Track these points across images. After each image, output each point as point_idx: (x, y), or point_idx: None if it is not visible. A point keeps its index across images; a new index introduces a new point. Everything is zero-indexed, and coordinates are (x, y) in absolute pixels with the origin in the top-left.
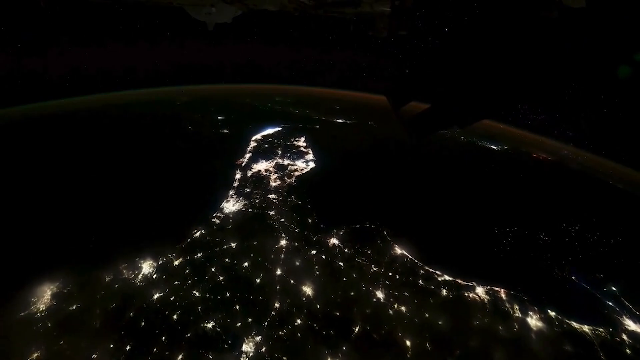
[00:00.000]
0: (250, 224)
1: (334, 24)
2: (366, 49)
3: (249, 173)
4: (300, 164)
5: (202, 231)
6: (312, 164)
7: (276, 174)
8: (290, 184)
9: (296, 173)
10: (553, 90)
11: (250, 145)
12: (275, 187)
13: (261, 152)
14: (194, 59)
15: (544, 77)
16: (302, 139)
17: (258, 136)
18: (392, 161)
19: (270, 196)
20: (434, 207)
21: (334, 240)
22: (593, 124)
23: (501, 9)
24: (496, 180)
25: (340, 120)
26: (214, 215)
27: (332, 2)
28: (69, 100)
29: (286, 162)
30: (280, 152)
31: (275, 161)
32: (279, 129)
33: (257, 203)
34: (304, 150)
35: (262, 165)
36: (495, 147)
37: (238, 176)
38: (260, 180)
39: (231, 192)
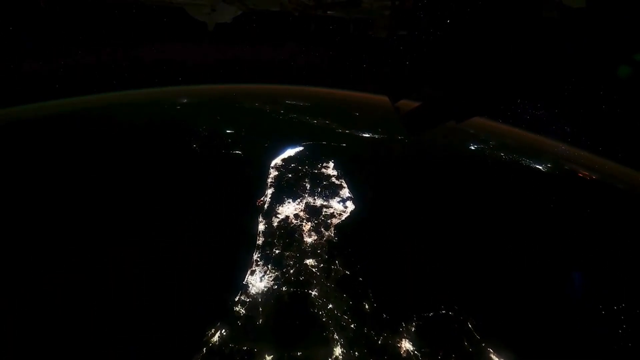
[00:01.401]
0: (288, 316)
1: (334, 24)
2: (367, 47)
3: (275, 221)
4: (335, 204)
5: (222, 331)
6: (350, 204)
7: (309, 223)
8: (329, 239)
9: (334, 220)
10: (552, 88)
11: (271, 175)
12: (312, 245)
13: (285, 187)
14: (194, 59)
15: (544, 75)
16: (331, 164)
17: (278, 160)
18: (442, 195)
19: (307, 262)
20: (515, 272)
21: (406, 344)
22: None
23: (502, 8)
24: (566, 219)
25: (367, 135)
26: (237, 299)
27: (332, 2)
28: (68, 100)
29: (318, 202)
30: (308, 186)
31: (304, 200)
32: (301, 148)
33: (292, 274)
34: (337, 182)
35: (289, 208)
36: (541, 168)
37: (262, 227)
38: (290, 233)
39: (256, 256)
